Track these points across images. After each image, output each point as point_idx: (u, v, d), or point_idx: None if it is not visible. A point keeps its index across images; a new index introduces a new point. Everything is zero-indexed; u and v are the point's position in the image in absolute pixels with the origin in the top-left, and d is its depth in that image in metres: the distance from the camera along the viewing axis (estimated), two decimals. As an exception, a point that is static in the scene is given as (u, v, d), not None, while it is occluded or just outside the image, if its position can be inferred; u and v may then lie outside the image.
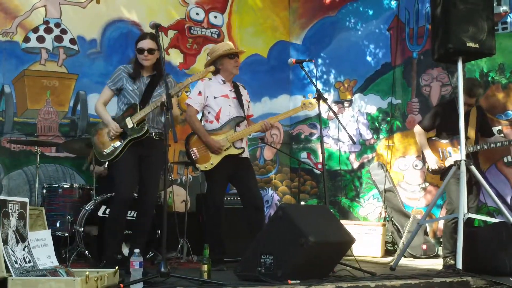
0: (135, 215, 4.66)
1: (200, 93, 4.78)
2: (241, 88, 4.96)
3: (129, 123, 4.25)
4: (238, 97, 4.87)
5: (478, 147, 4.96)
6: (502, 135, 5.06)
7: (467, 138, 4.89)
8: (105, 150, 4.31)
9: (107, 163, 4.94)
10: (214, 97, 4.78)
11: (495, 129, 5.57)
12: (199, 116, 4.87)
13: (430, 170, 5.19)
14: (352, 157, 6.98)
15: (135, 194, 4.73)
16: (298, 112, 5.05)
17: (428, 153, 5.16)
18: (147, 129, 4.22)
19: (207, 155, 4.69)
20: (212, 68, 4.44)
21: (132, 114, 4.27)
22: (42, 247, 3.39)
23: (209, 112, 4.81)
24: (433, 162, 5.12)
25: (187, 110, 4.83)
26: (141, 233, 4.39)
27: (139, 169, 4.33)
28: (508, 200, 5.55)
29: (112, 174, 4.49)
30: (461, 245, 4.10)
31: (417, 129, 5.32)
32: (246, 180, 4.77)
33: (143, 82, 4.37)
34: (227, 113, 4.78)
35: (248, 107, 4.99)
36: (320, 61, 7.30)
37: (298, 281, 3.41)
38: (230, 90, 4.87)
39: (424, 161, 5.25)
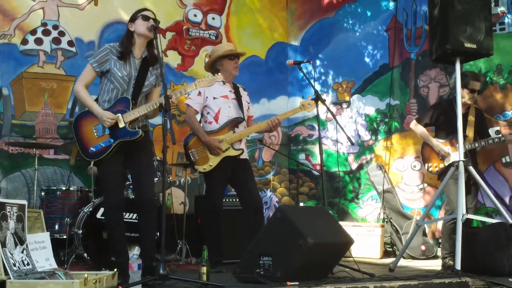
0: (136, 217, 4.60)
1: (199, 93, 4.78)
2: (241, 90, 4.96)
3: (120, 122, 3.80)
4: (238, 98, 4.87)
5: (476, 144, 4.95)
6: (500, 135, 5.06)
7: (465, 137, 4.90)
8: (91, 148, 3.83)
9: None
10: (214, 98, 4.78)
11: (493, 129, 5.58)
12: (198, 117, 4.87)
13: (441, 156, 5.06)
14: (351, 158, 6.98)
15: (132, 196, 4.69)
16: (297, 113, 5.04)
17: (435, 142, 5.08)
18: (141, 133, 3.83)
19: (206, 156, 4.68)
20: (220, 77, 4.13)
21: (122, 111, 3.83)
22: (40, 249, 3.38)
23: (208, 113, 4.80)
24: (445, 148, 5.04)
25: (187, 111, 4.83)
26: (149, 235, 3.93)
27: (125, 166, 3.96)
28: (507, 200, 5.56)
29: (99, 175, 4.10)
30: (459, 245, 4.10)
31: (415, 124, 5.26)
32: (245, 182, 4.76)
33: (134, 67, 3.91)
34: (226, 114, 4.78)
35: (248, 108, 4.99)
36: (318, 62, 7.30)
37: (297, 283, 3.40)
38: (230, 91, 4.87)
39: (432, 152, 5.14)
